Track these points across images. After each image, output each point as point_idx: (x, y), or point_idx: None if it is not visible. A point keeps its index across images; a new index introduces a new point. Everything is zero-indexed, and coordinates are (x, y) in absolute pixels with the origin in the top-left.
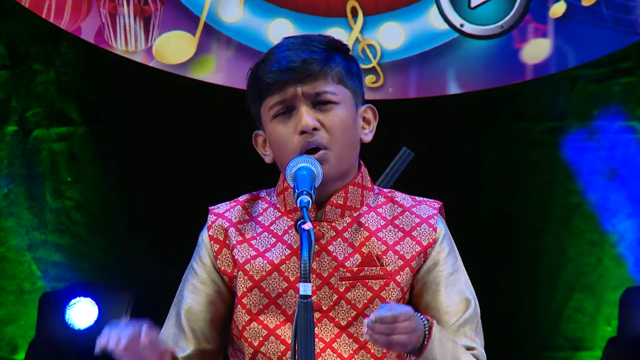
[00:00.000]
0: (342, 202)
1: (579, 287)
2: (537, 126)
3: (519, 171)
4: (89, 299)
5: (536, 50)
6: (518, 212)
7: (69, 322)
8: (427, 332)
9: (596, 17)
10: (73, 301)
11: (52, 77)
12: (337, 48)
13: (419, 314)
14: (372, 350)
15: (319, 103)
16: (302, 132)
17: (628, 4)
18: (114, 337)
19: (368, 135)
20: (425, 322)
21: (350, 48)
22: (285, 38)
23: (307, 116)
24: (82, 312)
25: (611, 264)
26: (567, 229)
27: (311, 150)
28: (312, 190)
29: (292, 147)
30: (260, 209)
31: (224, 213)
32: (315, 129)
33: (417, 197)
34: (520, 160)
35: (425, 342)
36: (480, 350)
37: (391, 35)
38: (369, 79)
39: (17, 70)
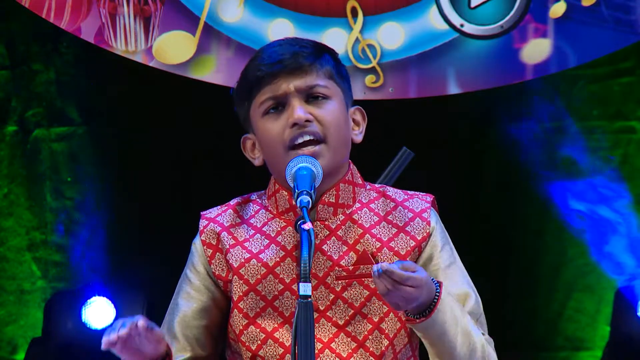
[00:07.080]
0: (333, 200)
1: (579, 287)
2: (537, 126)
3: (518, 171)
4: (105, 298)
5: (536, 50)
6: (518, 212)
7: (85, 322)
8: (436, 294)
9: (596, 17)
10: (90, 300)
11: (52, 77)
12: (326, 50)
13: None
14: (371, 349)
15: (311, 97)
16: (294, 125)
17: (628, 4)
18: (112, 332)
19: (358, 136)
20: (437, 285)
21: (350, 48)
22: (273, 40)
23: (299, 108)
24: (99, 312)
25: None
26: (567, 229)
27: (303, 143)
28: (312, 190)
29: (283, 142)
30: (251, 211)
31: (216, 217)
32: (308, 120)
33: (409, 191)
34: (520, 160)
35: (435, 301)
36: (488, 337)
37: (391, 35)
38: (369, 79)
39: (17, 70)
